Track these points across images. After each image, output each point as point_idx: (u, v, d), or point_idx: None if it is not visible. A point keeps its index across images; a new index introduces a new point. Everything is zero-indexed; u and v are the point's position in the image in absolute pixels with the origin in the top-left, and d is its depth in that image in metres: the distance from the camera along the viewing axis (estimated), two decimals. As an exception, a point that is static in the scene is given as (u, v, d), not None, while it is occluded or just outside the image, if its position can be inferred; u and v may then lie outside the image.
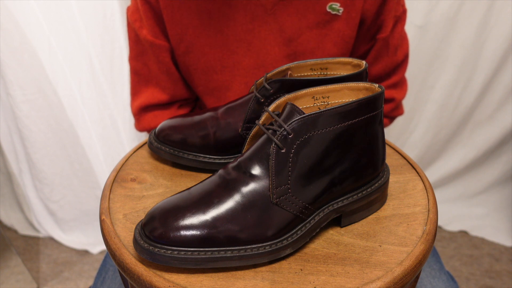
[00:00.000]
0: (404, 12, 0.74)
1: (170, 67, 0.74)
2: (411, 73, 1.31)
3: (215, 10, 0.68)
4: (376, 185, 0.46)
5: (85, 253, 1.39)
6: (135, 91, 0.77)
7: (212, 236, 0.38)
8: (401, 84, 0.80)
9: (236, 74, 0.72)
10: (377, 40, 0.73)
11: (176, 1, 0.68)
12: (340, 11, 0.68)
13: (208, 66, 0.72)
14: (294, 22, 0.69)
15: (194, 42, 0.70)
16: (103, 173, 1.33)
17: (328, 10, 0.68)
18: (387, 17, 0.71)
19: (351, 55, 0.75)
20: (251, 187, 0.40)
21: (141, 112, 0.77)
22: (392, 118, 0.82)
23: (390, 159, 0.57)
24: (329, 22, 0.69)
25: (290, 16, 0.68)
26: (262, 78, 0.53)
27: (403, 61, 0.78)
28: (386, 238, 0.43)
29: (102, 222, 0.46)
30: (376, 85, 0.45)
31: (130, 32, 0.74)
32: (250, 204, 0.39)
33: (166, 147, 0.56)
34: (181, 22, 0.69)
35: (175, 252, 0.37)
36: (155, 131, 0.58)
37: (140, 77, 0.76)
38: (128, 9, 0.73)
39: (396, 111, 0.81)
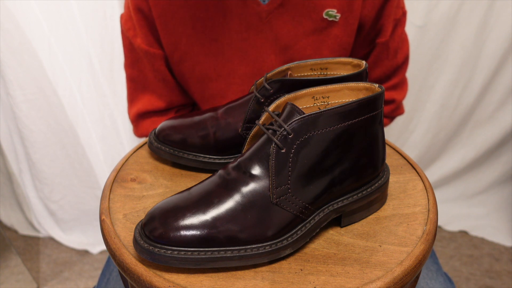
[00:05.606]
0: (404, 14, 0.72)
1: (166, 75, 0.73)
2: (411, 73, 1.31)
3: (209, 19, 0.67)
4: (376, 185, 0.46)
5: (85, 253, 1.39)
6: (132, 98, 0.76)
7: (212, 236, 0.38)
8: (401, 85, 0.79)
9: (231, 82, 0.71)
10: (377, 44, 0.71)
11: (169, 10, 0.66)
12: (337, 17, 0.66)
13: (203, 74, 0.71)
14: (290, 30, 0.67)
15: (188, 51, 0.69)
16: (103, 173, 1.34)
17: (325, 16, 0.66)
18: (387, 21, 0.69)
19: None
20: (251, 187, 0.40)
21: (138, 119, 0.76)
22: (392, 118, 0.82)
23: (390, 159, 0.57)
24: (326, 28, 0.67)
25: (286, 24, 0.67)
26: (262, 78, 0.53)
27: (403, 63, 0.77)
28: (386, 238, 0.43)
29: (102, 222, 0.46)
30: (376, 85, 0.45)
31: (124, 40, 0.73)
32: (250, 204, 0.39)
33: (166, 147, 0.56)
34: (175, 31, 0.68)
35: (175, 252, 0.37)
36: (155, 131, 0.58)
37: (136, 84, 0.75)
38: (122, 17, 0.72)
39: (397, 111, 0.80)
